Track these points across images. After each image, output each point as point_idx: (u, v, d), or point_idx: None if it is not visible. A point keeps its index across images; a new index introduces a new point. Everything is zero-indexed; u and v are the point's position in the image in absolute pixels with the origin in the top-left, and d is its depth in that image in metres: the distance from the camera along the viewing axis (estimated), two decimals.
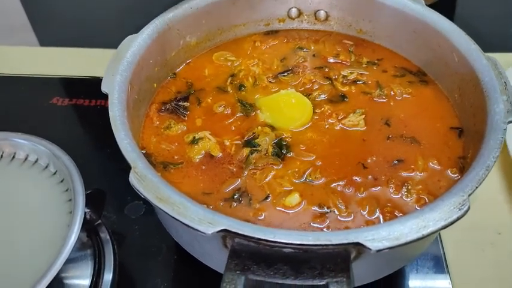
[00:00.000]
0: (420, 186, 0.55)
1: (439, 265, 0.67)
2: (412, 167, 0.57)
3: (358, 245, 0.42)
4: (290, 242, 0.42)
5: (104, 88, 0.56)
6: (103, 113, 0.88)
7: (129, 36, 0.62)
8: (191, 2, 0.68)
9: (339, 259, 0.43)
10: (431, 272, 0.66)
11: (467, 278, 0.65)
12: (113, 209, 0.74)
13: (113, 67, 0.58)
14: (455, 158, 0.58)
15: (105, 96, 0.89)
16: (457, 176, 0.56)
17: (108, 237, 0.71)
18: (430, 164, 0.57)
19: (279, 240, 0.42)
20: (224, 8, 0.70)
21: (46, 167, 0.65)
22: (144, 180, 0.47)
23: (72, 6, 1.23)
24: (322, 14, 0.74)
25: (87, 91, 0.93)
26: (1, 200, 0.62)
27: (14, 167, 0.65)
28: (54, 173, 0.64)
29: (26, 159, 0.66)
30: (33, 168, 0.65)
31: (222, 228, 0.43)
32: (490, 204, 0.73)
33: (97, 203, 0.68)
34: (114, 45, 0.87)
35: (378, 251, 0.41)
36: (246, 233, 0.42)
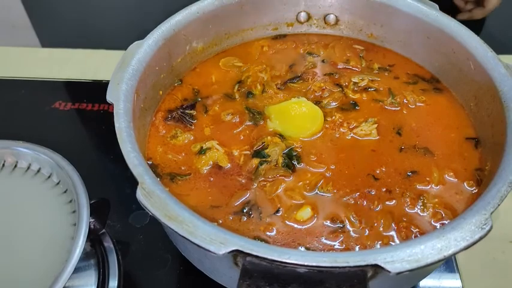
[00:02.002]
0: (436, 200, 0.53)
1: (451, 272, 0.65)
2: (427, 179, 0.55)
3: (376, 266, 0.40)
4: (306, 263, 0.40)
5: (109, 98, 0.54)
6: (106, 118, 0.87)
7: (135, 42, 0.60)
8: (198, 6, 0.66)
9: (355, 280, 0.41)
10: (443, 278, 0.64)
11: (478, 285, 0.64)
12: (117, 218, 0.73)
13: (118, 75, 0.56)
14: (472, 170, 0.56)
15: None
16: (475, 189, 0.54)
17: (112, 246, 0.69)
18: (446, 176, 0.56)
19: (294, 262, 0.40)
20: (232, 12, 0.68)
21: (49, 176, 0.63)
22: (152, 196, 0.45)
23: (74, 5, 1.20)
24: (332, 18, 0.72)
25: (90, 95, 0.91)
26: (3, 210, 0.60)
27: (16, 176, 0.63)
28: (57, 183, 0.62)
29: (28, 168, 0.64)
30: (35, 178, 0.63)
31: (234, 248, 0.41)
32: (503, 213, 0.71)
33: (101, 212, 0.66)
34: (118, 46, 0.85)
35: (398, 273, 0.40)
36: (259, 254, 0.41)
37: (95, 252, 0.68)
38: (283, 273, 0.42)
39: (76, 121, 0.87)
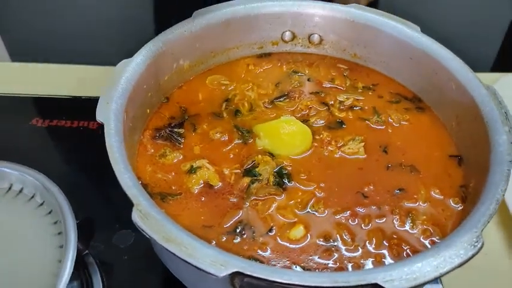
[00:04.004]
0: (424, 217, 0.55)
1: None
2: (415, 196, 0.57)
3: (376, 286, 0.41)
4: (307, 284, 0.40)
5: (99, 117, 0.53)
6: (87, 134, 0.86)
7: (123, 61, 0.60)
8: (185, 26, 0.66)
9: None
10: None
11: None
12: (101, 238, 0.71)
13: (108, 94, 0.56)
14: (457, 187, 0.58)
15: (88, 117, 0.87)
16: (460, 206, 0.56)
17: (96, 267, 0.68)
18: (432, 193, 0.57)
19: (295, 283, 0.40)
20: (218, 31, 0.69)
21: (32, 197, 0.61)
22: (148, 218, 0.45)
23: (45, 16, 1.17)
24: (316, 37, 0.73)
25: (68, 111, 0.89)
26: None
27: (6, 200, 0.61)
28: (41, 204, 0.61)
29: (9, 189, 0.62)
30: (18, 198, 0.61)
31: (234, 270, 0.41)
32: None
33: (86, 233, 0.65)
34: (94, 61, 0.84)
35: None
36: (260, 276, 0.41)
37: (78, 275, 0.66)
38: None
39: (55, 138, 0.85)
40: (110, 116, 0.53)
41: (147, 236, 0.44)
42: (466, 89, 0.60)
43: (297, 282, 0.40)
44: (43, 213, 0.60)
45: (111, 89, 0.56)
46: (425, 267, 0.42)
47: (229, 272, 0.41)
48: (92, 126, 0.88)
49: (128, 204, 0.74)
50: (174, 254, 0.42)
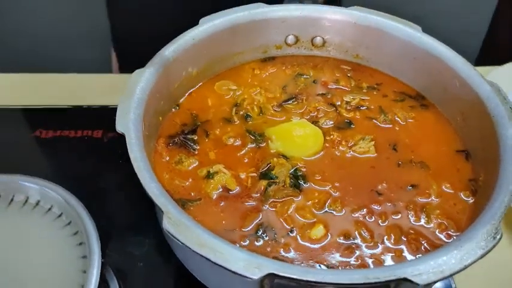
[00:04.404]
0: (438, 211, 0.57)
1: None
2: (427, 192, 0.59)
3: (405, 280, 0.42)
4: (340, 282, 0.42)
5: (120, 128, 0.54)
6: (92, 143, 0.86)
7: (136, 71, 0.60)
8: (193, 33, 0.67)
9: None
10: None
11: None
12: (115, 246, 0.71)
13: (125, 105, 0.56)
14: (466, 181, 0.60)
15: (91, 126, 0.88)
16: (471, 199, 0.58)
17: (113, 275, 0.68)
18: (443, 187, 0.59)
19: (328, 282, 0.42)
20: (225, 37, 0.70)
21: (50, 208, 0.62)
22: (179, 225, 0.46)
23: (29, 23, 1.16)
24: (318, 40, 0.75)
25: (70, 121, 0.89)
26: (8, 252, 0.58)
27: (15, 210, 0.61)
28: (59, 215, 0.61)
29: (26, 201, 0.62)
30: (35, 211, 0.62)
31: (269, 272, 0.42)
32: None
33: (102, 242, 0.65)
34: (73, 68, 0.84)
35: (426, 285, 0.42)
36: (295, 276, 0.42)
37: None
38: None
39: (61, 148, 0.85)
40: (129, 126, 0.54)
41: (180, 242, 0.45)
42: (470, 86, 0.62)
43: (331, 281, 0.42)
44: (62, 224, 0.61)
45: (128, 99, 0.57)
46: (450, 260, 0.44)
47: (264, 274, 0.42)
48: (96, 135, 0.88)
49: (139, 212, 0.74)
50: (208, 260, 0.43)
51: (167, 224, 0.45)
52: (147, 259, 0.70)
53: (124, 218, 0.75)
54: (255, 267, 0.43)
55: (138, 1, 1.15)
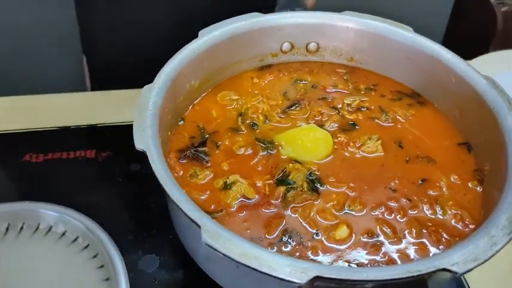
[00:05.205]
0: (451, 202, 0.59)
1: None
2: (437, 184, 0.61)
3: (444, 270, 0.44)
4: (385, 278, 0.43)
5: (139, 145, 0.53)
6: (86, 164, 0.84)
7: (146, 86, 0.60)
8: (195, 45, 0.67)
9: (416, 285, 0.46)
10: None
11: None
12: (127, 265, 0.70)
13: (140, 122, 0.56)
14: (471, 171, 0.63)
15: (81, 146, 0.86)
16: (480, 188, 0.61)
17: None
18: (452, 179, 0.62)
19: (373, 279, 0.43)
20: (224, 48, 0.70)
21: (64, 234, 0.60)
22: (219, 237, 0.46)
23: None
24: (313, 46, 0.77)
25: (60, 143, 0.87)
26: (28, 282, 0.56)
27: (28, 237, 0.59)
28: (75, 240, 0.60)
29: (49, 230, 0.60)
30: (49, 236, 0.60)
31: (314, 275, 0.43)
32: None
33: None
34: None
35: (464, 273, 0.44)
36: (341, 277, 0.43)
37: None
38: None
39: (56, 171, 0.83)
40: (149, 143, 0.54)
41: (222, 254, 0.45)
42: (466, 81, 0.65)
43: (376, 278, 0.43)
44: (78, 249, 0.60)
45: (143, 115, 0.56)
46: (482, 246, 0.46)
47: (310, 277, 0.43)
48: (89, 155, 0.86)
49: (147, 228, 0.73)
50: (254, 269, 0.44)
51: (207, 238, 0.45)
52: (161, 276, 0.69)
53: (132, 237, 0.73)
54: (301, 272, 0.43)
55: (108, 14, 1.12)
